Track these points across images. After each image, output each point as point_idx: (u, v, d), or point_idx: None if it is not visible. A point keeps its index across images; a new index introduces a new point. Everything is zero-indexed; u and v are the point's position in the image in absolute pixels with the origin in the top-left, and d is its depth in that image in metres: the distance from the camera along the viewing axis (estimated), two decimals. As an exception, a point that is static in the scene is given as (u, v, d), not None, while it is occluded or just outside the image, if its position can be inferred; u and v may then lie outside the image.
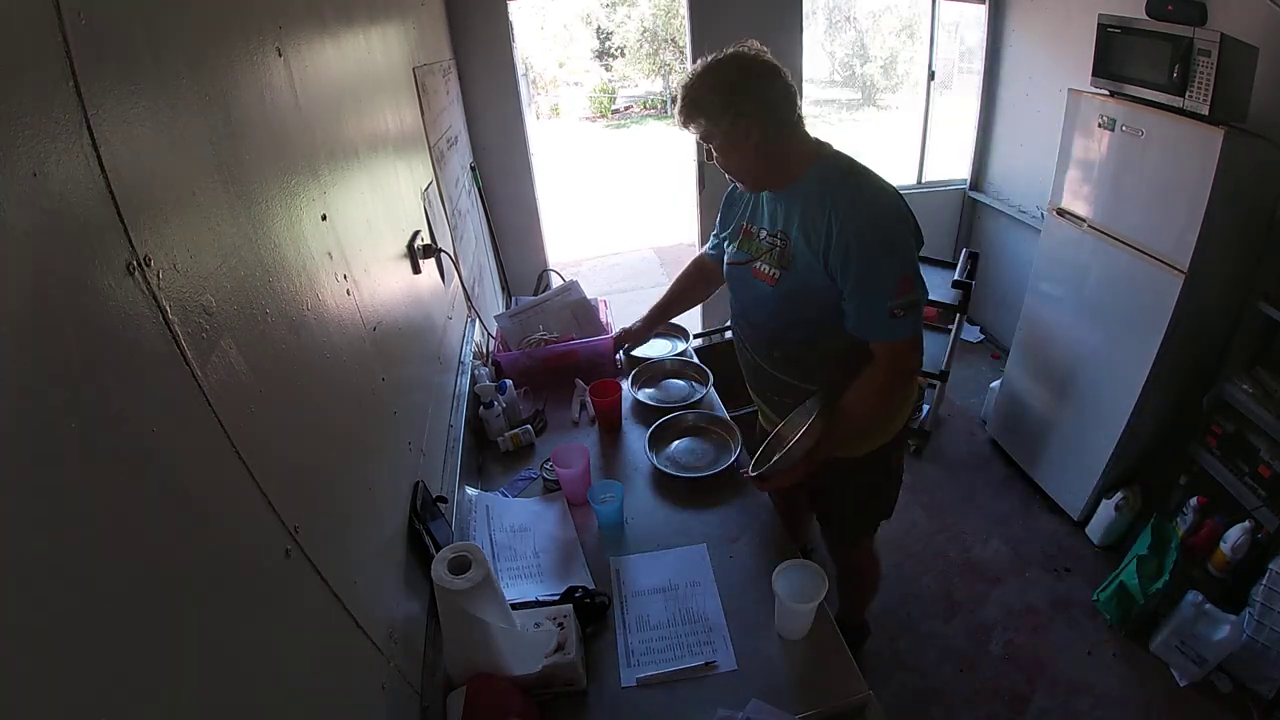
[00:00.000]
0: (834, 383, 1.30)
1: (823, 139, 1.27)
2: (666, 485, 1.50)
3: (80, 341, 0.44)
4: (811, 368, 1.34)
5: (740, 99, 1.15)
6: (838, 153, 1.26)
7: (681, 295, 1.77)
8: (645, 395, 1.80)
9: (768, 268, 1.29)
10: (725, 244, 1.43)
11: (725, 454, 1.57)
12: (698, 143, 1.45)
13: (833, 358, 1.29)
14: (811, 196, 1.20)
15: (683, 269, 1.76)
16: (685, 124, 1.22)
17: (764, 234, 1.31)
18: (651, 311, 1.83)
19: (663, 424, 1.64)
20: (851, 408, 1.28)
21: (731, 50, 1.20)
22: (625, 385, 1.82)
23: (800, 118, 1.23)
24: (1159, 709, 1.83)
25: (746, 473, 1.38)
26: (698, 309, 3.45)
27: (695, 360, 1.93)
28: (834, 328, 1.24)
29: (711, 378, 1.84)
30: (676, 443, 1.63)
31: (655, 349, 2.05)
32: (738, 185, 1.33)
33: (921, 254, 3.34)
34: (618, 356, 1.93)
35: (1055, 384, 2.41)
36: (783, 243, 1.26)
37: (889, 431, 1.44)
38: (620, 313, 2.22)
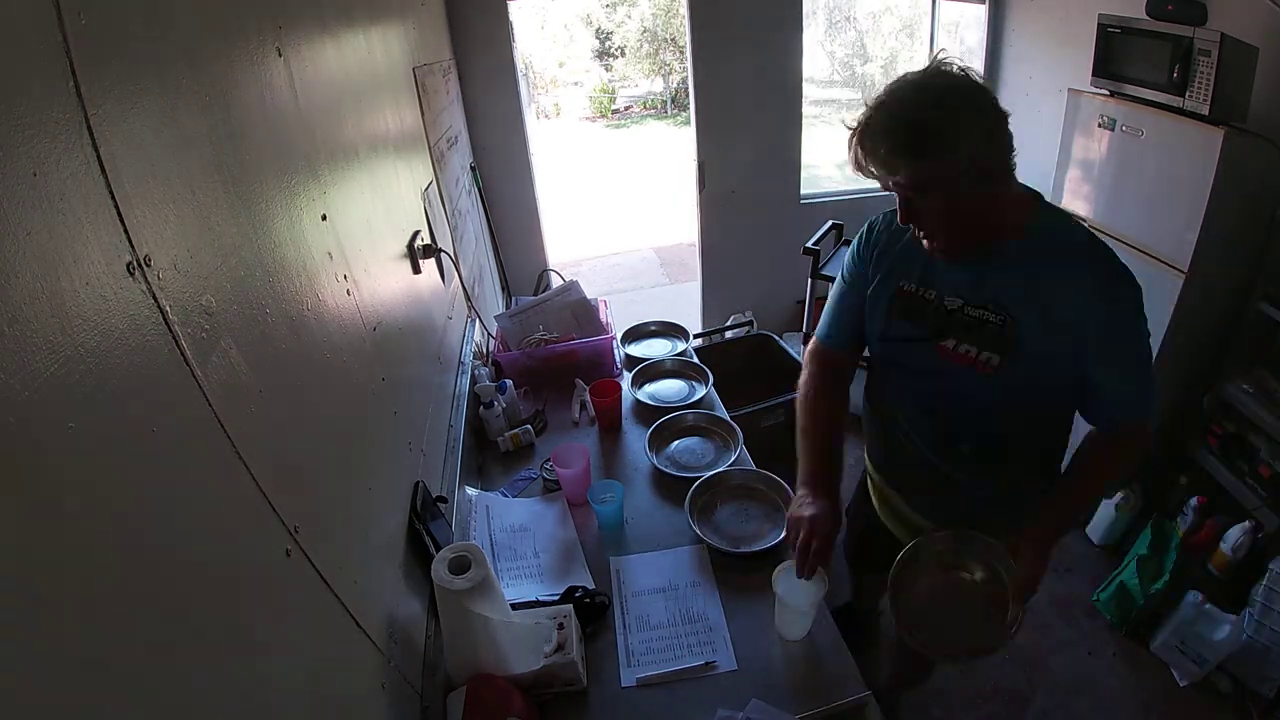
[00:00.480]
0: (1020, 489, 1.14)
1: (1031, 187, 1.03)
2: (666, 485, 1.50)
3: (80, 342, 0.44)
4: (1008, 468, 1.14)
5: (973, 133, 0.88)
6: (1059, 208, 1.04)
7: (838, 425, 1.22)
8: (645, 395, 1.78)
9: (978, 351, 1.03)
10: (868, 314, 1.16)
11: (725, 454, 1.57)
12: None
13: (1038, 456, 1.13)
14: (1050, 266, 0.97)
15: (813, 386, 1.23)
16: (889, 168, 0.91)
17: (959, 304, 1.04)
18: (820, 477, 1.15)
19: (663, 424, 1.64)
20: (1081, 495, 1.13)
21: (936, 68, 0.91)
22: (625, 385, 1.82)
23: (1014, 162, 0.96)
24: (1159, 709, 1.83)
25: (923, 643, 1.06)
26: (697, 309, 3.49)
27: (695, 360, 1.93)
28: (1054, 421, 1.11)
29: (711, 377, 1.83)
30: (676, 443, 1.63)
31: (655, 349, 2.05)
32: (933, 249, 1.02)
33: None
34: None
35: (1055, 384, 2.41)
36: (1001, 321, 1.01)
37: None
38: (620, 313, 2.22)
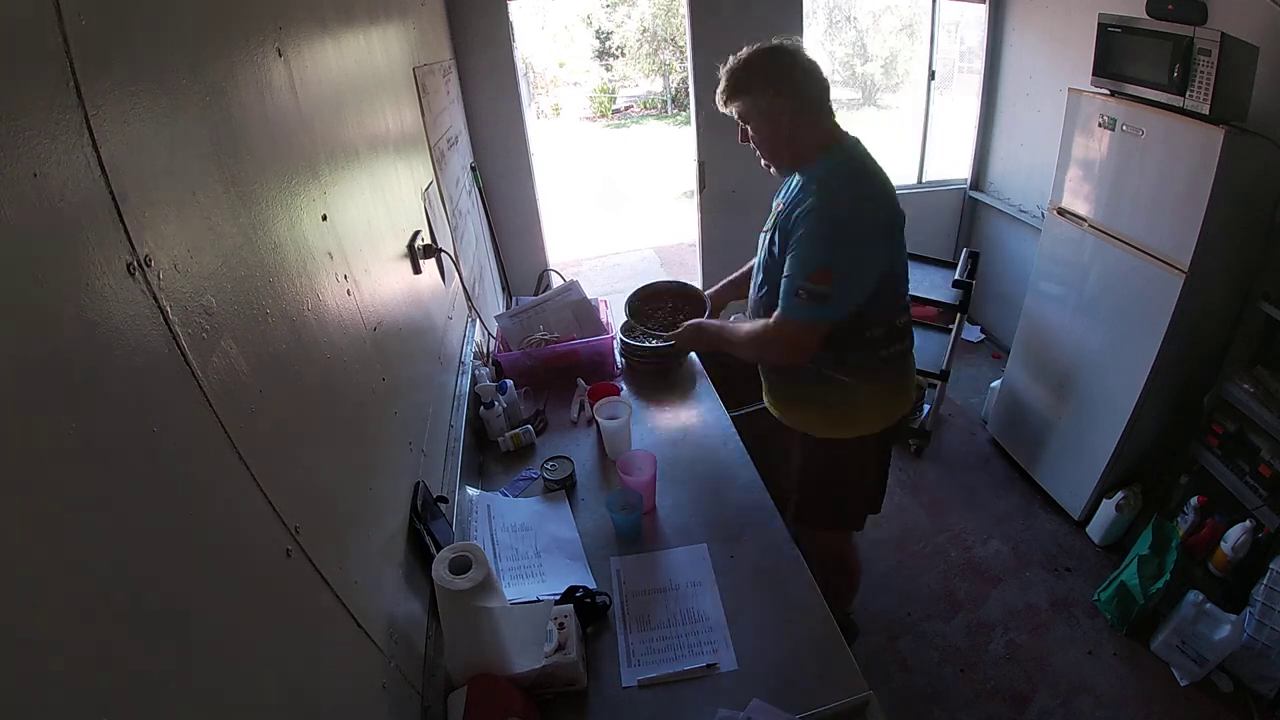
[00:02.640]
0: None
1: (856, 138, 1.36)
2: (667, 485, 1.50)
3: (81, 342, 0.44)
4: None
5: (778, 80, 1.28)
6: (857, 152, 1.34)
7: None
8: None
9: (769, 224, 1.45)
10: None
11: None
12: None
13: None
14: (809, 178, 1.32)
15: None
16: (727, 101, 1.35)
17: (777, 201, 1.46)
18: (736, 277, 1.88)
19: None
20: (741, 335, 1.45)
21: (774, 41, 1.32)
22: (625, 386, 1.81)
23: (829, 110, 1.34)
24: (1159, 709, 1.83)
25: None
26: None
27: (695, 361, 1.93)
28: None
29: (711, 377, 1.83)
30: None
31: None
32: (762, 162, 1.43)
33: (922, 254, 3.32)
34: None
35: (1056, 384, 2.41)
36: (776, 215, 1.41)
37: (851, 426, 1.48)
38: (621, 313, 2.21)
